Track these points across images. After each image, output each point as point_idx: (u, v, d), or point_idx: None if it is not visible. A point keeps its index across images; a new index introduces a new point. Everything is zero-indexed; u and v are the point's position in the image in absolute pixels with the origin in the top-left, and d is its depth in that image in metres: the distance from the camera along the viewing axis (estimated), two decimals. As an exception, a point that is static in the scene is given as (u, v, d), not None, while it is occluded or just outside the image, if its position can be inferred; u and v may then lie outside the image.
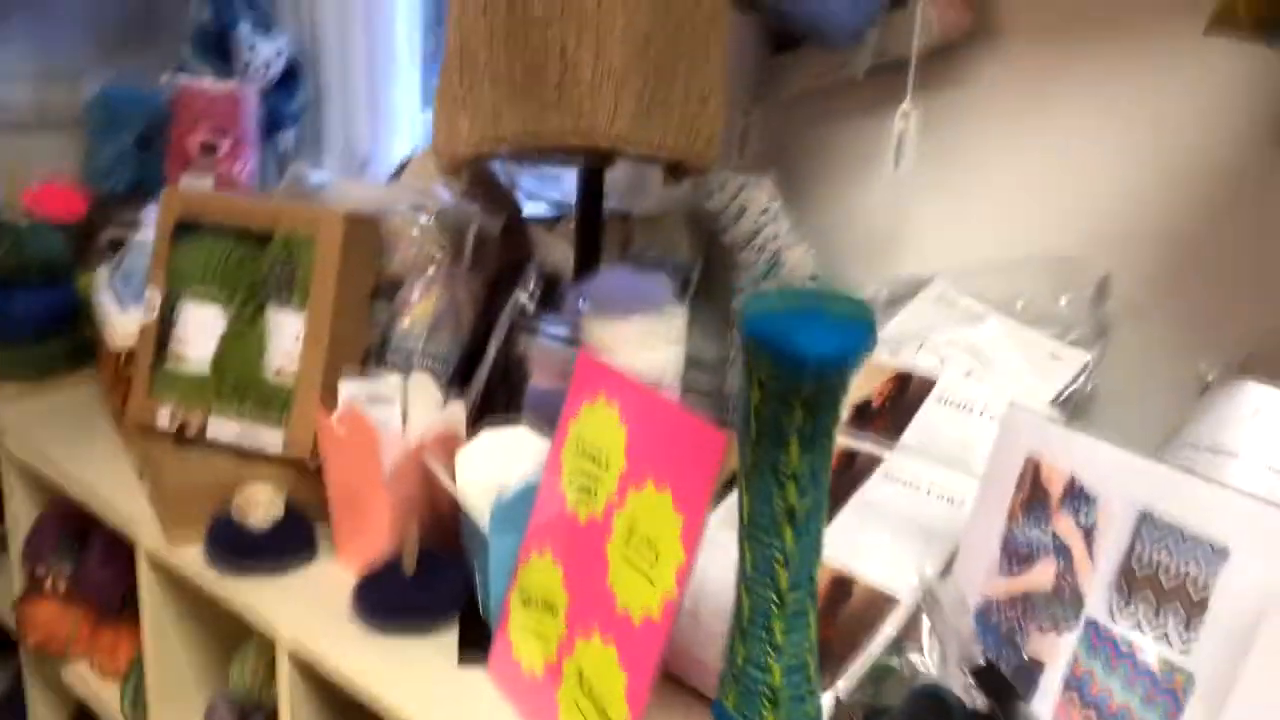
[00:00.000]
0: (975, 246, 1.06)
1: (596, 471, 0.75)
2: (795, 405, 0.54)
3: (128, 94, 1.63)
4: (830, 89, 1.12)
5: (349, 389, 1.02)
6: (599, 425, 0.77)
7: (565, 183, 1.35)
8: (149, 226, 1.36)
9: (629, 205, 1.23)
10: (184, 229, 1.14)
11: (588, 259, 1.06)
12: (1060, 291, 0.97)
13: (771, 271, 1.12)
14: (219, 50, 1.70)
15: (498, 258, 1.18)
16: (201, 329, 1.13)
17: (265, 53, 1.68)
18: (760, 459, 0.58)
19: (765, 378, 0.55)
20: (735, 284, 1.17)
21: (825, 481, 0.58)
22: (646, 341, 0.89)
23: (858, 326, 0.54)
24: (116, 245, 1.60)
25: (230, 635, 1.09)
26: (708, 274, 1.23)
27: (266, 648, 0.96)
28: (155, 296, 1.13)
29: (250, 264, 1.11)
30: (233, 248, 1.12)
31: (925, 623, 0.73)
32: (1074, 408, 0.91)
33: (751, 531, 0.60)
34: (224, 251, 1.13)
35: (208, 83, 1.60)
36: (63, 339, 1.45)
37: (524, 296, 1.04)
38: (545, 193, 1.35)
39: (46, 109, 1.65)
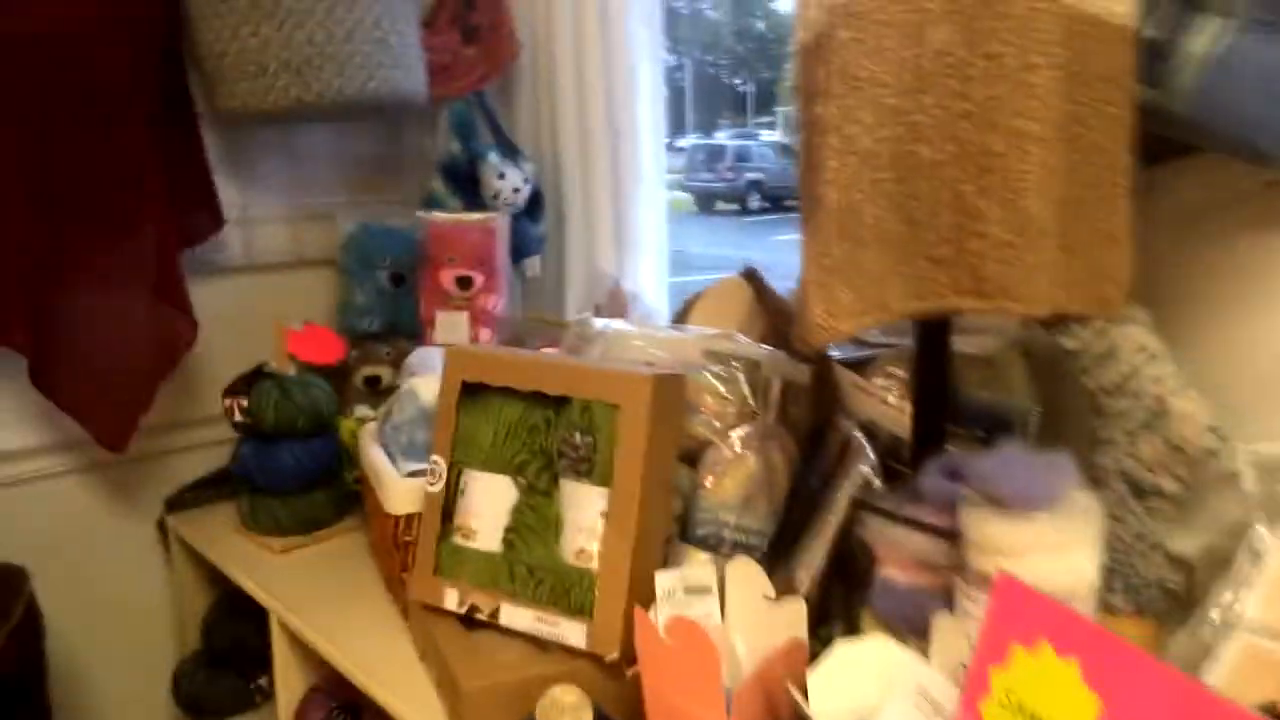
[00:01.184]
0: None
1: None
2: None
3: (380, 231, 1.60)
4: (1226, 203, 0.93)
5: (665, 582, 0.89)
6: (1045, 683, 0.60)
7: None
8: (421, 377, 1.30)
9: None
10: (469, 389, 1.05)
11: (931, 427, 0.90)
12: None
13: (1154, 422, 0.93)
14: (467, 181, 1.66)
15: (809, 412, 1.03)
16: (490, 502, 1.03)
17: (514, 180, 1.63)
18: None
19: None
20: (1100, 435, 0.98)
21: None
22: (1056, 545, 0.72)
23: None
24: (372, 382, 1.56)
25: None
26: (1049, 421, 1.05)
27: None
28: (440, 465, 1.04)
29: (544, 431, 1.01)
30: (524, 412, 1.02)
31: None
32: None
33: None
34: (514, 417, 1.03)
35: (460, 216, 1.55)
36: (328, 490, 1.40)
37: (866, 468, 0.89)
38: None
39: (302, 250, 1.64)
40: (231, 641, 1.51)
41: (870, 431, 1.01)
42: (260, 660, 1.49)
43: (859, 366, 1.12)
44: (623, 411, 0.94)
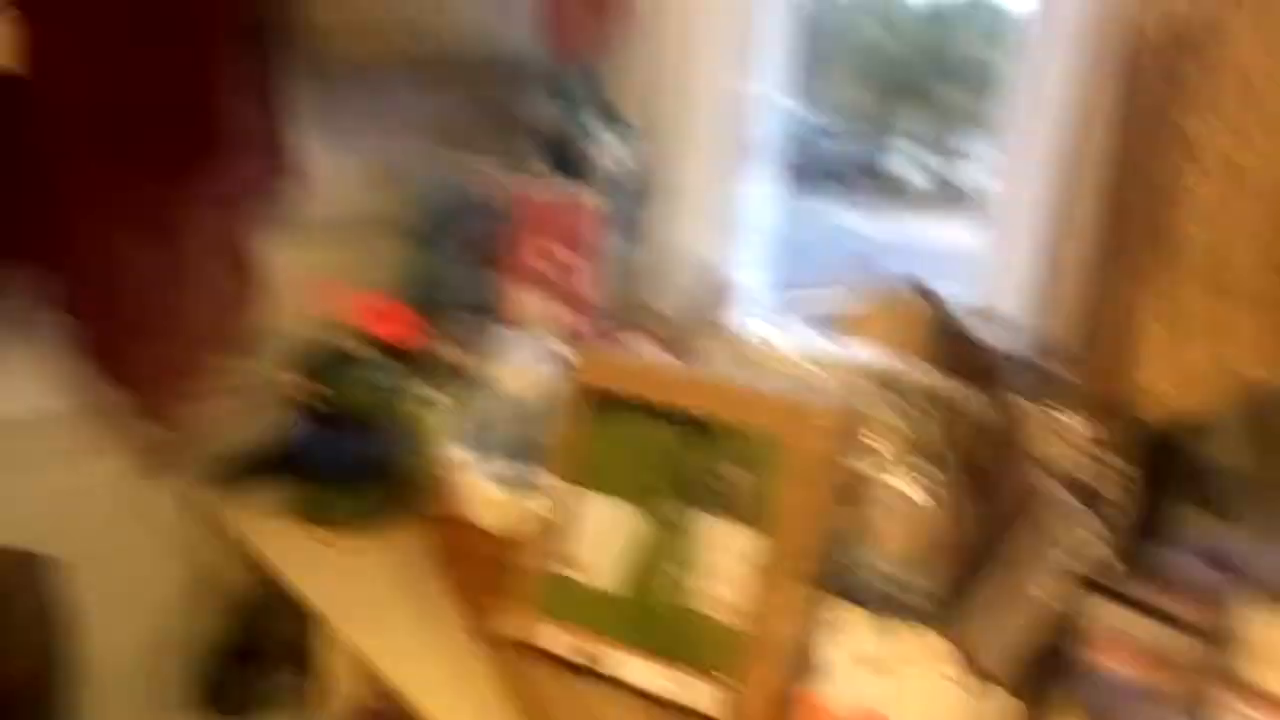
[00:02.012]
0: None
1: None
2: None
3: (461, 194, 1.44)
4: None
5: (829, 650, 0.74)
6: None
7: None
8: (507, 365, 1.15)
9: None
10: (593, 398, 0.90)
11: (1164, 495, 0.75)
12: None
13: None
14: (562, 149, 1.50)
15: (990, 451, 0.88)
16: (608, 532, 0.88)
17: (615, 151, 1.47)
18: None
19: None
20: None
21: None
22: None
23: None
24: (440, 363, 1.41)
25: None
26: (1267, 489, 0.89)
27: None
28: (556, 487, 0.90)
29: (682, 455, 0.86)
30: (659, 432, 0.87)
31: None
32: None
33: None
34: (647, 436, 0.88)
35: (551, 186, 1.39)
36: (392, 483, 1.25)
37: (1090, 536, 0.74)
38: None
39: (371, 216, 1.48)
40: (266, 637, 1.37)
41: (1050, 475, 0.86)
42: (294, 658, 1.35)
43: (1041, 399, 0.97)
44: (791, 448, 0.79)
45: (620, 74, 1.61)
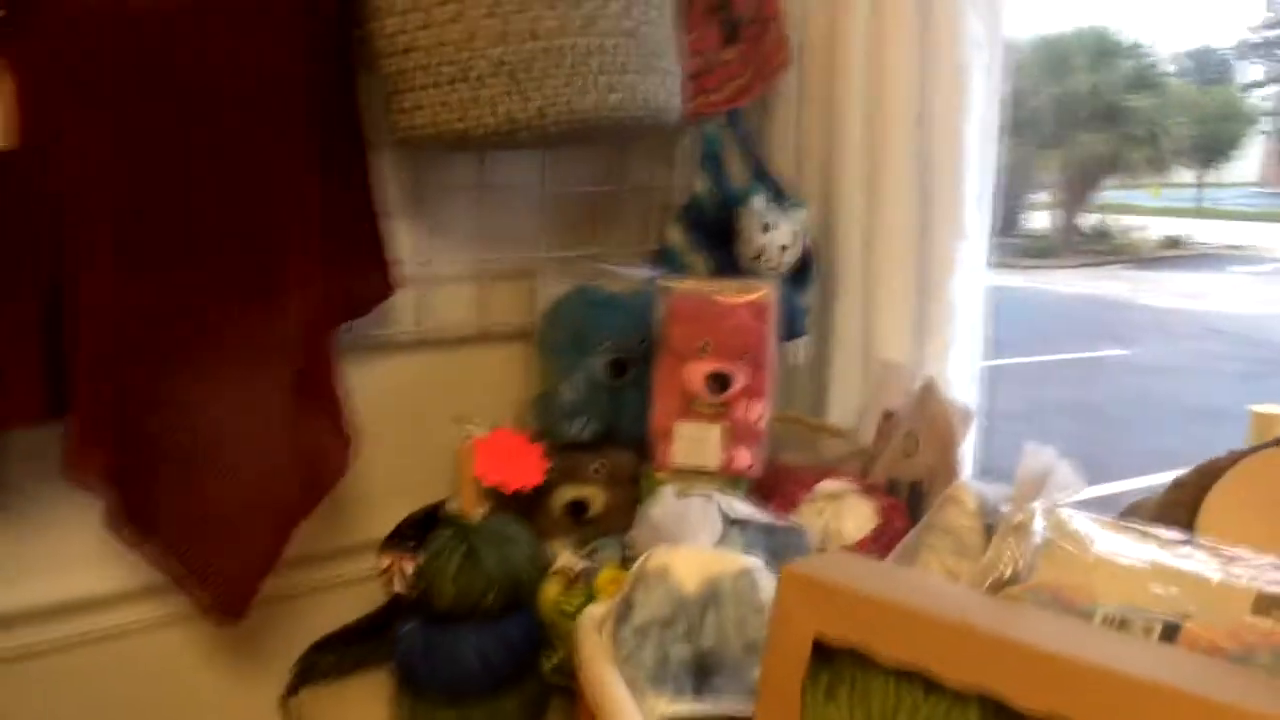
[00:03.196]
0: None
1: None
2: None
3: (601, 300, 1.15)
4: None
5: None
6: None
7: None
8: (673, 546, 0.85)
9: None
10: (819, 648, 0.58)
11: None
12: None
13: None
14: (716, 233, 1.20)
15: None
16: None
17: (783, 234, 1.17)
18: None
19: None
20: None
21: None
22: None
23: None
24: (577, 510, 1.12)
25: None
26: None
27: None
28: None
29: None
30: (927, 711, 0.55)
31: None
32: None
33: None
34: (893, 707, 0.55)
35: (717, 285, 1.09)
36: (521, 691, 0.95)
37: None
38: None
39: (489, 322, 1.20)
40: None
41: None
42: None
43: None
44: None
45: (778, 133, 1.31)
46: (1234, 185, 19.20)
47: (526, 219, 1.22)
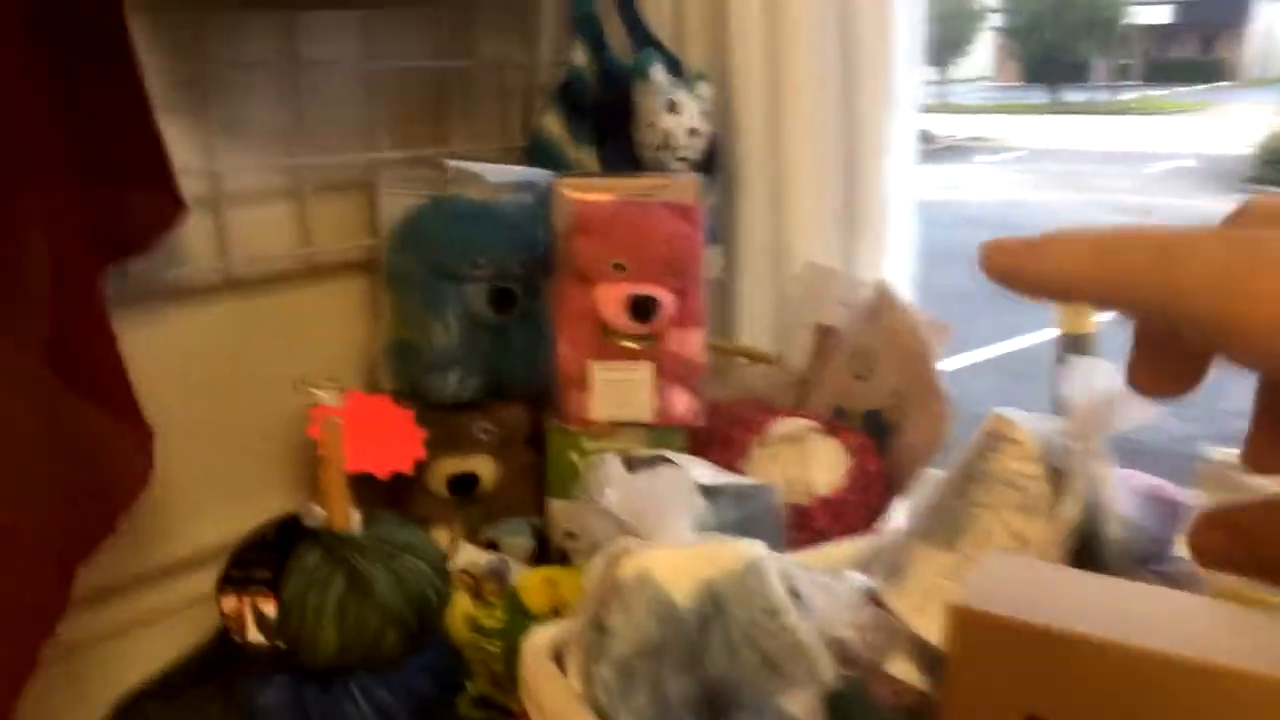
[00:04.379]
0: None
1: None
2: None
3: (468, 211, 0.88)
4: None
5: None
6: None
7: None
8: (648, 544, 0.62)
9: None
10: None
11: None
12: None
13: None
14: (605, 116, 0.95)
15: None
16: None
17: (690, 113, 0.93)
18: None
19: None
20: None
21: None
22: None
23: None
24: (462, 485, 0.87)
25: None
26: None
27: None
28: None
29: None
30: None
31: None
32: None
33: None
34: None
35: (627, 182, 0.85)
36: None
37: None
38: None
39: (316, 251, 0.90)
40: None
41: None
42: None
43: None
44: None
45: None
46: (970, 80, 20.44)
47: (354, 107, 0.91)
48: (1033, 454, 0.63)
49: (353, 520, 0.65)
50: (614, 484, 0.66)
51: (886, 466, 0.85)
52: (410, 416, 0.81)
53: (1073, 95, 19.40)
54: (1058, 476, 0.62)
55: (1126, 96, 19.63)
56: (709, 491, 0.72)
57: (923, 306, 1.01)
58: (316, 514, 0.65)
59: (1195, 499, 0.68)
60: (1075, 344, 2.61)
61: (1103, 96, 20.00)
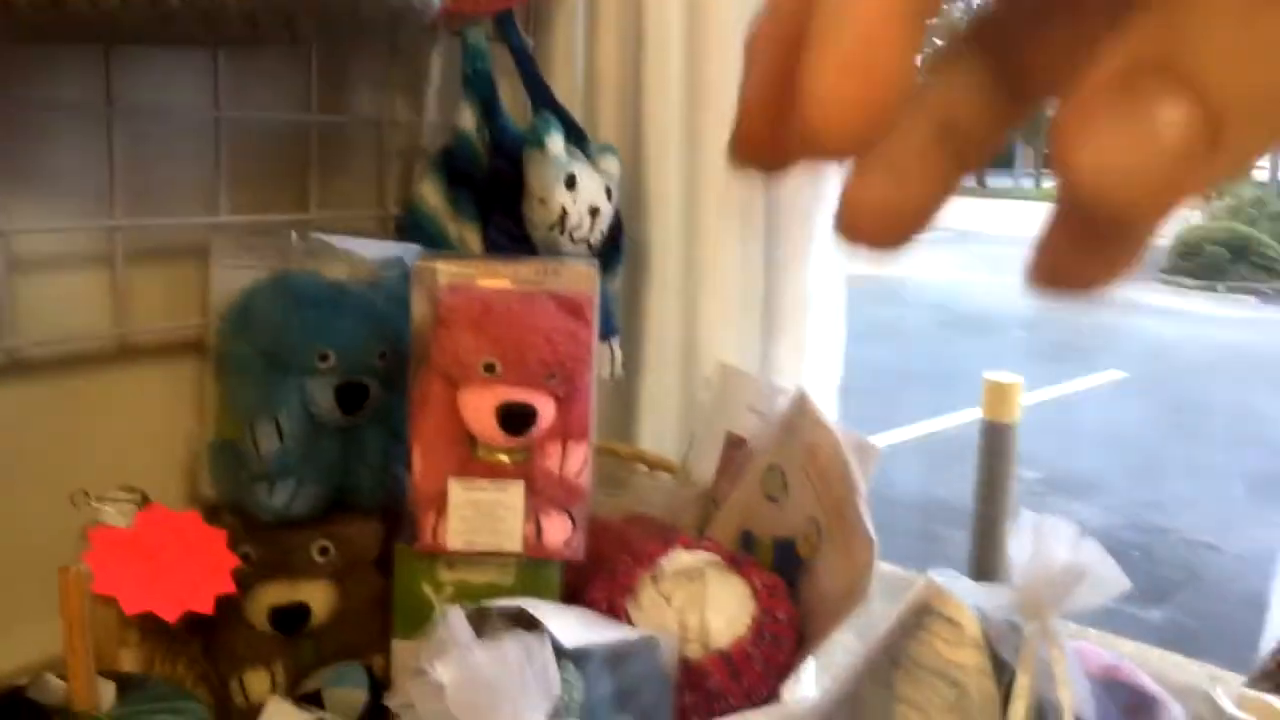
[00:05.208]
0: None
1: None
2: None
3: (314, 292, 0.74)
4: None
5: None
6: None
7: None
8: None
9: None
10: None
11: None
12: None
13: None
14: (492, 188, 0.82)
15: None
16: None
17: (591, 191, 0.81)
18: None
19: None
20: None
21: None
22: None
23: None
24: (287, 621, 0.72)
25: None
26: None
27: None
28: None
29: None
30: None
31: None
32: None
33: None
34: None
35: (508, 266, 0.72)
36: None
37: None
38: None
39: (129, 329, 0.75)
40: None
41: None
42: None
43: None
44: None
45: (560, 49, 0.95)
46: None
47: (191, 163, 0.77)
48: (972, 638, 0.50)
49: (103, 696, 0.50)
50: (451, 658, 0.52)
51: (796, 616, 0.72)
52: (221, 538, 0.66)
53: (998, 181, 20.11)
54: (1002, 668, 0.50)
55: (1049, 184, 20.29)
56: (578, 657, 0.58)
57: (845, 383, 0.90)
58: (52, 687, 0.49)
59: (1155, 687, 0.56)
60: (997, 432, 2.51)
61: (1026, 183, 20.79)
